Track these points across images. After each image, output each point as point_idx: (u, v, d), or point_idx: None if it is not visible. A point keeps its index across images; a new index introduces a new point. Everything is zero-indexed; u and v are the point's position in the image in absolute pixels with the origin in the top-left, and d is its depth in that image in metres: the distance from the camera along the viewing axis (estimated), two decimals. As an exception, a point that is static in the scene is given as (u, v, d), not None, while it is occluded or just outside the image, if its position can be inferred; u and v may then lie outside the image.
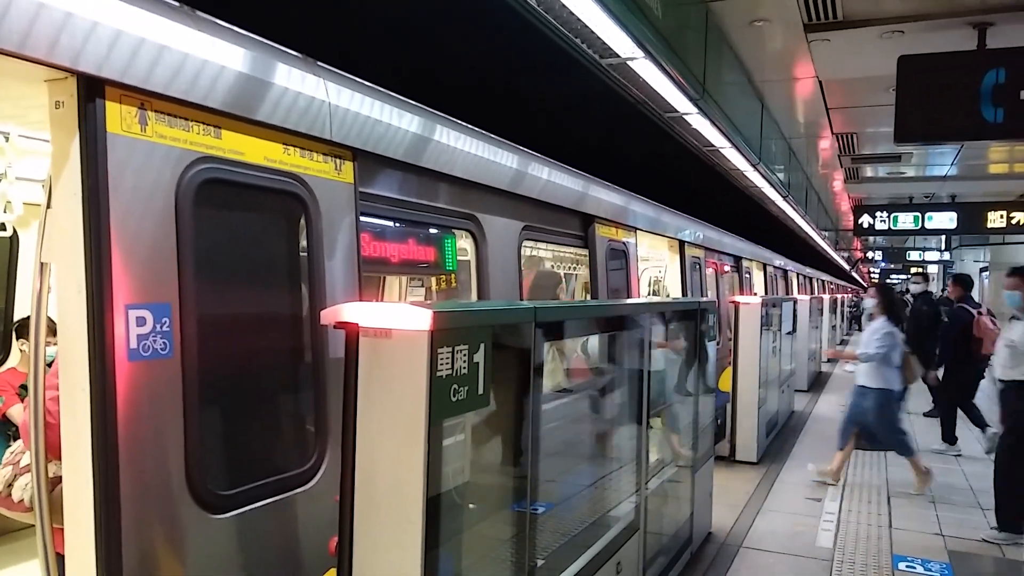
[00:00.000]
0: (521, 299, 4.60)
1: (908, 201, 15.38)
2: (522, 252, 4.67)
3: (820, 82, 8.30)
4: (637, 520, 4.24)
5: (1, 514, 2.92)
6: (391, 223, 3.75)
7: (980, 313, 8.64)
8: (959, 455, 9.17)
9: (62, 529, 2.21)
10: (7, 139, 3.47)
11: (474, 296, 4.18)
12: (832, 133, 10.95)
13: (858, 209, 13.93)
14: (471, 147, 3.97)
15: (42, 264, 2.30)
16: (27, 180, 3.78)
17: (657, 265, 9.20)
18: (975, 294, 24.75)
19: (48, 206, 2.19)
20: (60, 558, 2.28)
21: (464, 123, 4.05)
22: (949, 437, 9.29)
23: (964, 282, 9.12)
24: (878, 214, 13.38)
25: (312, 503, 2.74)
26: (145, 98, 2.21)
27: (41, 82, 2.12)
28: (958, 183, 14.41)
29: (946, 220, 13.01)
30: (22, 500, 2.72)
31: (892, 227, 13.32)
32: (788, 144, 11.92)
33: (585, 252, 5.71)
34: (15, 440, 4.57)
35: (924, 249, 27.10)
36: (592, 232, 5.63)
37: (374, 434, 2.13)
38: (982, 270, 24.06)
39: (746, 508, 6.62)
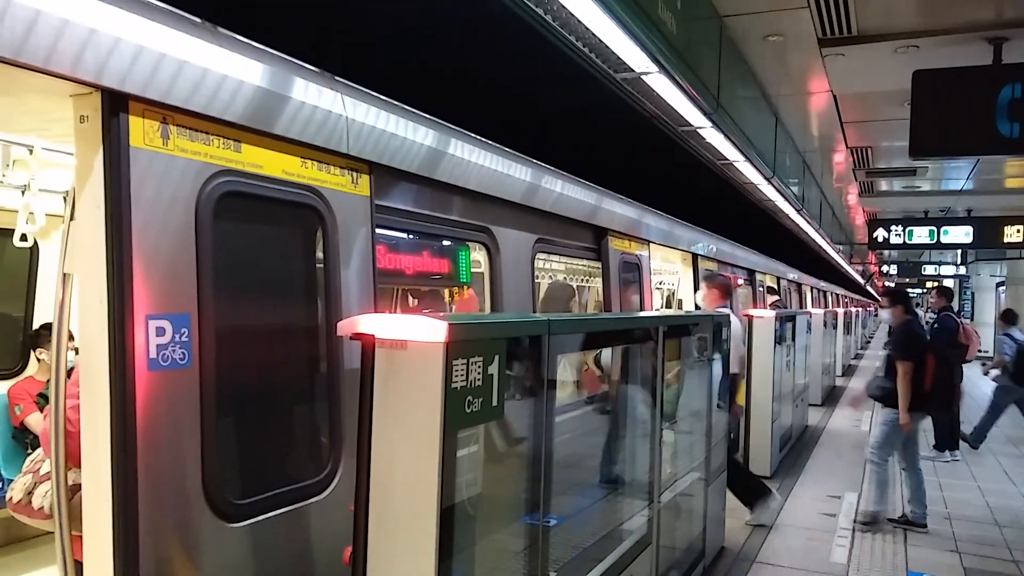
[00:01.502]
0: (534, 311, 4.61)
1: (923, 215, 15.29)
2: (535, 264, 4.69)
3: (835, 96, 8.30)
4: (649, 534, 4.22)
5: (20, 521, 2.95)
6: (406, 235, 3.78)
7: (963, 321, 9.46)
8: (956, 460, 9.19)
9: (81, 536, 2.24)
10: (31, 152, 3.53)
11: (488, 308, 4.20)
12: (847, 147, 10.93)
13: (873, 223, 13.86)
14: (485, 160, 4.00)
15: (65, 275, 2.34)
16: (48, 192, 3.84)
17: (670, 278, 9.19)
18: (990, 308, 24.60)
19: (71, 218, 2.23)
20: (78, 565, 2.31)
21: (478, 136, 4.08)
22: (942, 443, 9.43)
23: (946, 294, 10.04)
24: (893, 228, 13.31)
25: (326, 512, 2.76)
26: (167, 112, 2.25)
27: (66, 97, 2.16)
28: (974, 197, 14.31)
29: (962, 234, 12.92)
30: (42, 507, 2.75)
31: (907, 241, 13.24)
32: (802, 158, 11.89)
33: (598, 265, 5.72)
34: (33, 448, 4.63)
35: (940, 263, 26.91)
36: (605, 245, 5.64)
37: (389, 445, 2.15)
38: (999, 285, 23.87)
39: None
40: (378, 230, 3.15)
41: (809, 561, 5.63)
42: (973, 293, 27.49)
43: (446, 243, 4.16)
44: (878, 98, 8.22)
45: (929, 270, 26.84)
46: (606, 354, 5.07)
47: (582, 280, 7.28)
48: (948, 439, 9.43)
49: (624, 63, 4.59)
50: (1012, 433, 11.03)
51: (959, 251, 23.67)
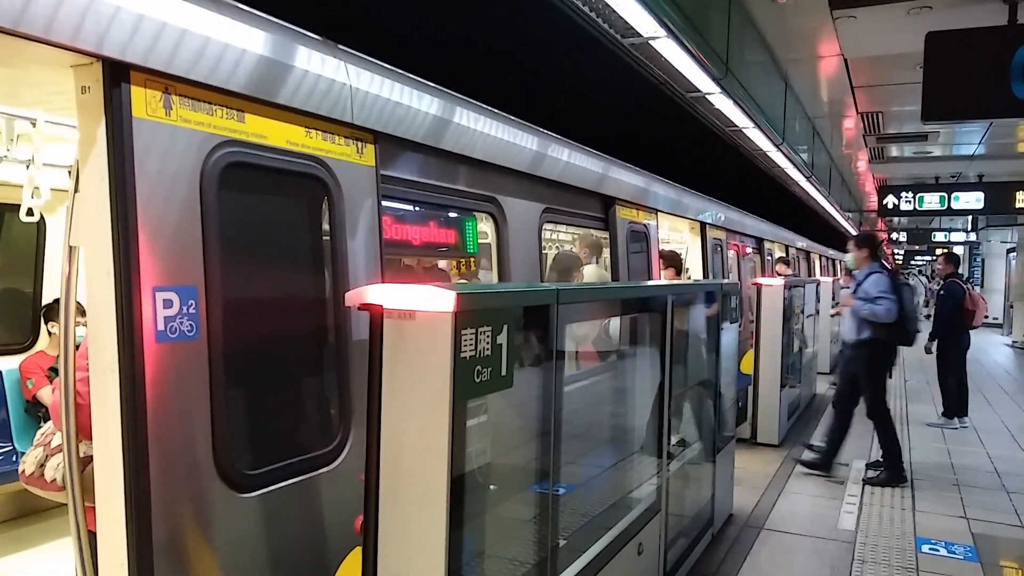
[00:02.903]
0: (542, 281, 4.60)
1: (934, 181, 15.14)
2: (542, 234, 4.66)
3: (845, 60, 8.17)
4: (659, 501, 4.24)
5: (34, 493, 2.98)
6: (412, 206, 3.75)
7: (969, 288, 9.42)
8: (964, 427, 9.22)
9: (93, 507, 2.26)
10: (34, 125, 3.50)
11: (495, 278, 4.19)
12: (857, 112, 10.78)
13: (883, 189, 13.75)
14: (491, 129, 3.96)
15: (71, 248, 2.33)
16: (52, 166, 3.83)
17: (678, 247, 9.13)
18: (1000, 275, 24.47)
19: (76, 190, 2.21)
20: (92, 535, 2.33)
21: (483, 105, 4.03)
22: (951, 410, 9.47)
23: (954, 260, 10.01)
24: (903, 194, 13.21)
25: (337, 483, 2.77)
26: (169, 82, 2.22)
27: (67, 68, 2.13)
28: (986, 162, 14.14)
29: (973, 200, 12.82)
30: (54, 480, 2.77)
31: (917, 208, 13.16)
32: (812, 124, 11.75)
33: (606, 234, 5.69)
34: (44, 421, 4.67)
35: (950, 230, 26.72)
36: (613, 214, 5.60)
37: (399, 415, 2.15)
38: (1009, 251, 23.70)
39: (767, 490, 6.60)
40: (384, 201, 3.12)
41: (817, 528, 5.66)
42: (983, 260, 27.30)
43: (452, 213, 4.13)
44: (890, 61, 8.09)
45: (939, 237, 26.66)
46: (614, 323, 5.06)
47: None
48: (956, 406, 9.44)
49: (632, 27, 4.51)
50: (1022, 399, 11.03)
51: (970, 217, 23.50)
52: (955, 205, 12.85)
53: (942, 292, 9.53)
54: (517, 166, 4.23)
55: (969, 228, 25.78)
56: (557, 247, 7.10)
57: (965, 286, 9.44)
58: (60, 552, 4.30)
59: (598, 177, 5.36)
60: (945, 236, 26.57)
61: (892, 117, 11.26)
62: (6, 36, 1.84)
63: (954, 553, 5.20)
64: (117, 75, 2.09)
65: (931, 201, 13.03)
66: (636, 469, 4.49)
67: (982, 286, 25.17)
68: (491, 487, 3.14)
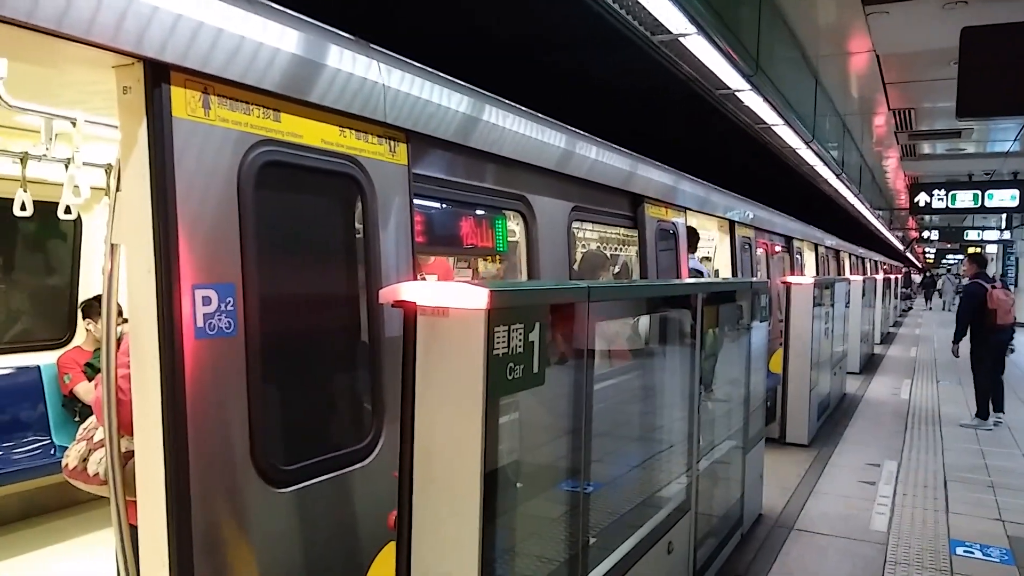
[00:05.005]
0: (571, 280, 4.59)
1: (967, 178, 14.90)
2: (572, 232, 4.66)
3: (877, 56, 8.07)
4: (688, 500, 4.22)
5: (75, 486, 3.04)
6: (443, 204, 3.77)
7: (993, 286, 9.33)
8: (999, 424, 9.12)
9: (135, 501, 2.30)
10: (74, 124, 3.56)
11: (524, 276, 4.19)
12: (888, 109, 10.65)
13: (914, 187, 13.56)
14: (520, 127, 3.96)
15: (112, 245, 2.37)
16: (90, 165, 3.89)
17: (706, 246, 9.07)
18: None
19: (117, 189, 2.25)
20: (133, 529, 2.37)
21: (511, 102, 4.03)
22: (983, 411, 9.36)
23: (978, 260, 9.90)
24: (935, 192, 13.02)
25: (370, 478, 2.80)
26: (208, 82, 2.25)
27: (108, 68, 2.17)
28: (1021, 159, 13.89)
29: (1007, 198, 12.60)
30: (97, 473, 2.82)
31: (950, 205, 12.96)
32: (842, 121, 11.62)
33: (634, 233, 5.67)
34: (81, 416, 4.76)
35: (983, 228, 26.25)
36: (641, 212, 5.58)
37: (432, 411, 2.16)
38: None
39: (797, 490, 6.54)
40: (416, 199, 3.14)
41: (848, 528, 5.60)
42: (1017, 259, 26.79)
43: (483, 212, 4.14)
44: (923, 57, 7.98)
45: (972, 235, 26.21)
46: (643, 321, 5.03)
47: (615, 248, 7.22)
48: (988, 406, 9.30)
49: (661, 24, 4.49)
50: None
51: (1004, 215, 23.06)
52: (989, 203, 12.65)
53: (961, 293, 9.47)
54: (546, 164, 4.22)
55: (1003, 226, 25.29)
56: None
57: (987, 286, 9.34)
58: (100, 544, 4.38)
59: (626, 175, 5.34)
60: (978, 234, 26.12)
61: (924, 114, 11.10)
62: (48, 37, 1.88)
63: (990, 556, 5.11)
64: (157, 75, 2.12)
65: (964, 199, 12.84)
66: (665, 467, 4.47)
67: (1016, 285, 24.68)
68: (523, 484, 3.15)
